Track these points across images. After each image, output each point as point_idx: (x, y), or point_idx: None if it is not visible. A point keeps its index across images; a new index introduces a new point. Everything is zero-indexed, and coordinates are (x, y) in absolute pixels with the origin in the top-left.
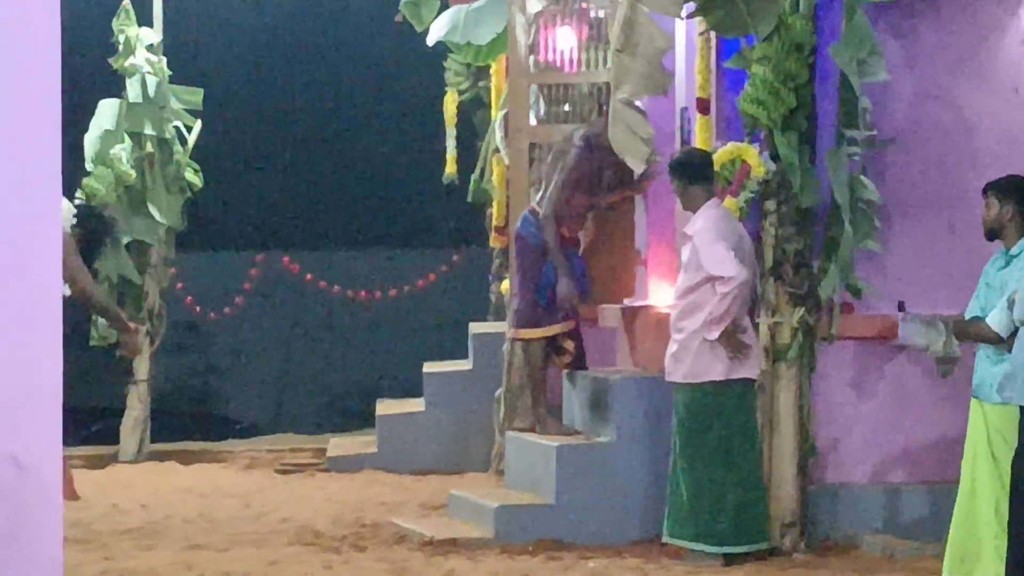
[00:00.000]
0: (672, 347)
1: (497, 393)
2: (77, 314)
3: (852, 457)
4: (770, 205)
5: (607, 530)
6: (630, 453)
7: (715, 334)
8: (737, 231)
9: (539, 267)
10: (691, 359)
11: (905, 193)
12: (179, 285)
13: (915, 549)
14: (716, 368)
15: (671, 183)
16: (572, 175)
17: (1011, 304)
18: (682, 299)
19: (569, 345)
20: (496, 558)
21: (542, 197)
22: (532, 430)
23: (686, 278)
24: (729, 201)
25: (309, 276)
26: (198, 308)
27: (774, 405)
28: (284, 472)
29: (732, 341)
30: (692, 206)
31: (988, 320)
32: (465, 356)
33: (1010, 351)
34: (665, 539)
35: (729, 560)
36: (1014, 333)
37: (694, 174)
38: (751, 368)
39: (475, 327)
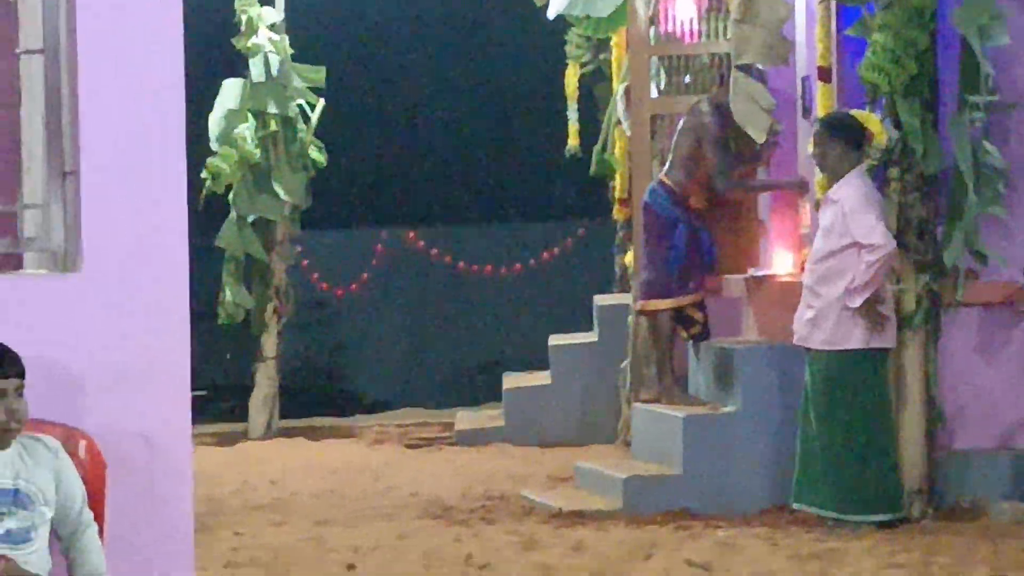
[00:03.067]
0: (808, 312)
1: (623, 365)
2: (206, 292)
3: (979, 423)
4: (893, 172)
5: (734, 499)
6: (756, 422)
7: (858, 302)
8: (882, 201)
9: (668, 238)
10: (831, 326)
11: None
12: (304, 263)
13: None
14: (856, 336)
15: (815, 145)
16: (715, 141)
17: None
18: (821, 263)
19: (698, 316)
20: (624, 529)
21: (668, 168)
22: (658, 401)
23: (828, 243)
24: None
25: (435, 251)
26: (325, 285)
27: (900, 372)
28: (412, 447)
29: (872, 311)
30: (837, 170)
31: None
32: (590, 328)
33: None
34: (796, 505)
35: (859, 528)
36: None
37: (844, 136)
38: (888, 338)
39: (600, 299)
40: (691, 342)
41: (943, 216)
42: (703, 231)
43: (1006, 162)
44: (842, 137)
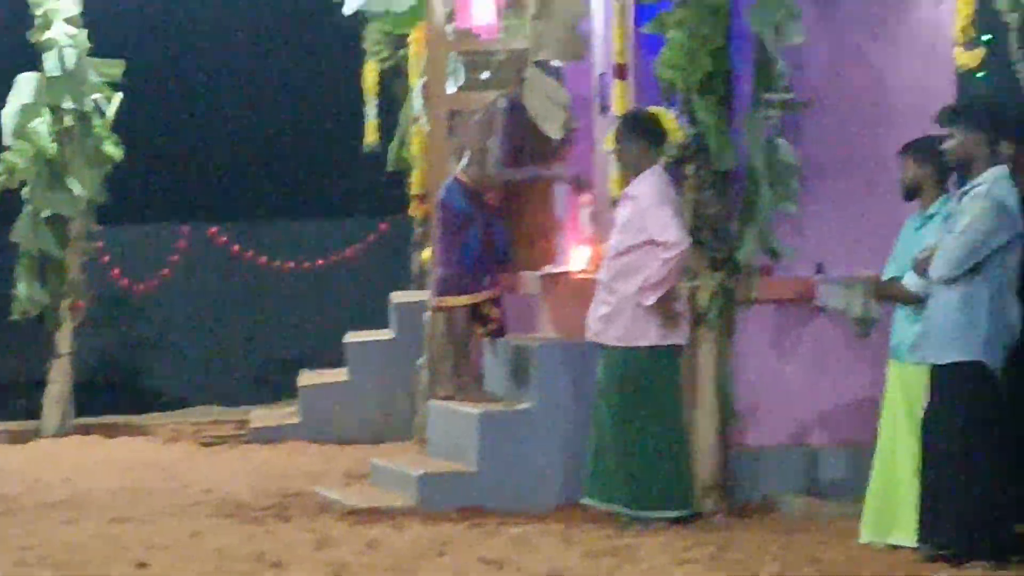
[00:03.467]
0: (603, 308)
1: (419, 362)
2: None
3: (772, 419)
4: (688, 169)
5: (529, 496)
6: (551, 419)
7: (652, 300)
8: (678, 198)
9: (463, 235)
10: (625, 322)
11: (822, 155)
12: (105, 258)
13: (834, 510)
14: (650, 333)
15: (614, 142)
16: (501, 133)
17: (913, 266)
18: (617, 259)
19: (494, 313)
20: (419, 526)
21: (467, 165)
22: (454, 398)
23: (624, 239)
24: None
25: (236, 247)
26: (125, 281)
27: (694, 369)
28: (207, 444)
29: (666, 308)
30: (635, 167)
31: (905, 281)
32: (388, 326)
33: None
34: (586, 501)
35: (651, 524)
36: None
37: (643, 134)
38: (682, 335)
39: (397, 296)
40: (487, 339)
41: (737, 213)
42: (498, 227)
43: (799, 160)
44: (640, 134)
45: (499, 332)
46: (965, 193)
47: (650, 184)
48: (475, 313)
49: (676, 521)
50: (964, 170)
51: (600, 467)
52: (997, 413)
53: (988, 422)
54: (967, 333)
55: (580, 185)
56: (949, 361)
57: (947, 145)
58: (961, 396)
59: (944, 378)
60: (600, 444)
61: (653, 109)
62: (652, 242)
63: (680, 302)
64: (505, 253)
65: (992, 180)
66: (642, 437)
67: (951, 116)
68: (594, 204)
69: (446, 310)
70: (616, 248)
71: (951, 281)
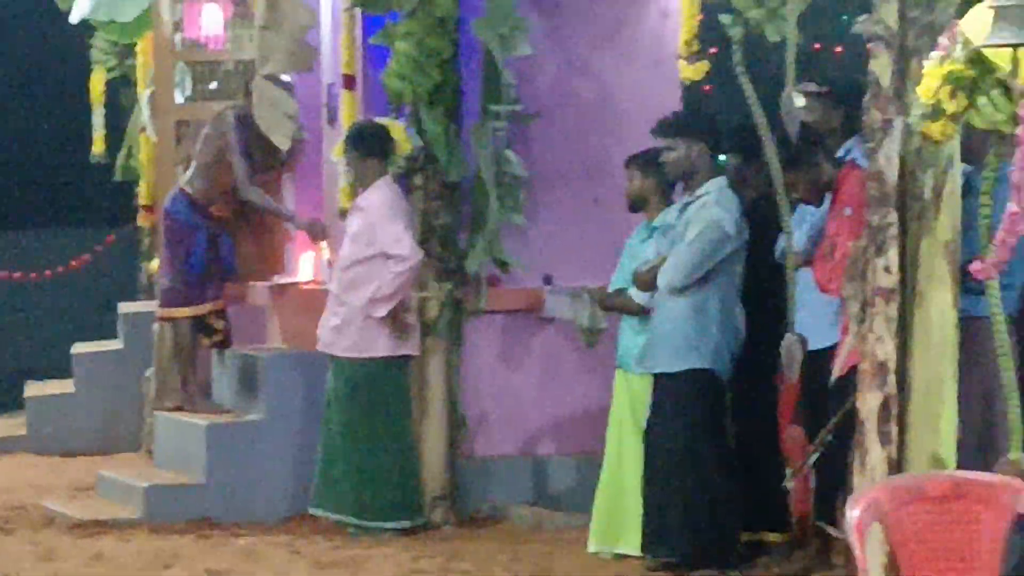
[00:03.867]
0: (333, 319)
1: (147, 373)
2: None
3: (501, 430)
4: (417, 180)
5: (258, 507)
6: (280, 430)
7: (382, 312)
8: (410, 210)
9: (188, 246)
10: (355, 333)
11: (550, 167)
12: None
13: (563, 520)
14: (380, 344)
15: (346, 155)
16: (237, 151)
17: (634, 280)
18: (348, 271)
19: (219, 325)
20: (145, 538)
21: (192, 177)
22: (181, 409)
23: (355, 250)
24: None
25: None
26: None
27: (423, 379)
28: None
29: (397, 320)
30: (364, 179)
31: (631, 292)
32: (116, 336)
33: None
34: (314, 511)
35: (380, 535)
36: None
37: (370, 147)
38: (412, 345)
39: (124, 307)
40: (213, 350)
41: (466, 224)
42: (224, 239)
43: (527, 171)
44: (368, 147)
45: (224, 344)
46: (688, 204)
47: (380, 196)
48: (200, 324)
49: (405, 532)
50: (685, 181)
51: (329, 477)
52: (725, 421)
53: (716, 430)
54: (697, 342)
55: (315, 233)
56: (678, 369)
57: (668, 157)
58: (689, 404)
59: (672, 387)
60: (329, 455)
61: (381, 120)
62: (383, 255)
63: (410, 313)
64: (230, 265)
65: (716, 191)
66: (371, 448)
67: (671, 127)
68: (330, 255)
69: (171, 321)
70: (347, 259)
71: (680, 291)
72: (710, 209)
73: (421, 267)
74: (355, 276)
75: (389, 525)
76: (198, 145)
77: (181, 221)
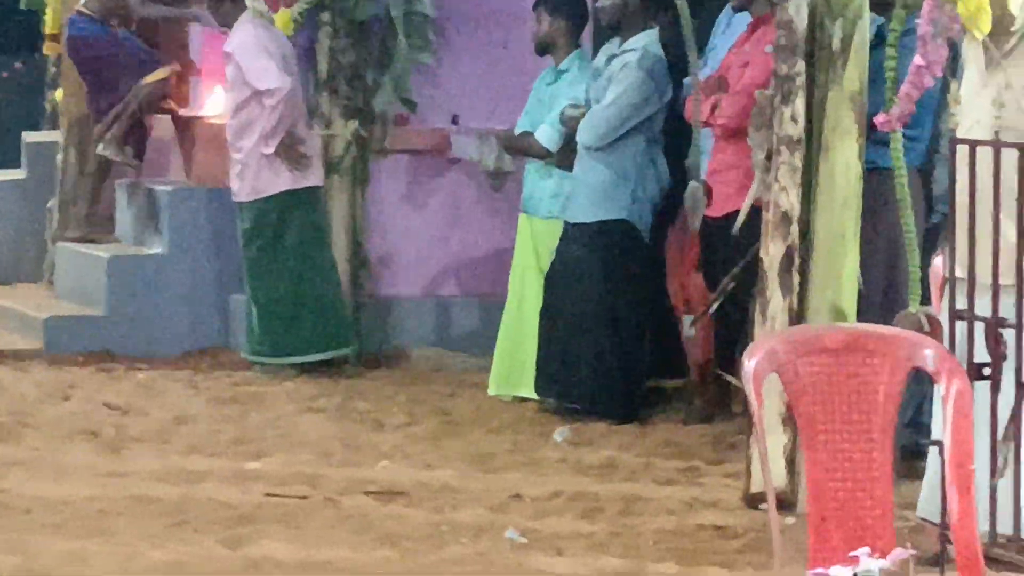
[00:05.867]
0: (235, 168)
1: (50, 203)
2: None
3: (405, 270)
4: (324, 17)
5: (159, 342)
6: (182, 265)
7: (271, 148)
8: (278, 41)
9: (103, 61)
10: (252, 176)
11: (461, 7)
12: None
13: (464, 362)
14: (280, 181)
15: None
16: None
17: (563, 120)
18: (234, 118)
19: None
20: (45, 369)
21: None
22: (85, 239)
23: (233, 96)
24: (283, 12)
25: None
26: None
27: (327, 217)
28: None
29: (291, 153)
30: (227, 22)
31: (537, 135)
32: (19, 166)
33: (559, 166)
34: (244, 356)
35: (283, 370)
36: (564, 148)
37: None
38: (316, 176)
39: (29, 136)
40: (118, 184)
41: (373, 62)
42: (131, 42)
43: (437, 11)
44: None
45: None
46: (615, 56)
47: (241, 36)
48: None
49: (305, 369)
50: (616, 29)
51: (249, 321)
52: (641, 271)
53: (632, 279)
54: (614, 193)
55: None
56: (593, 219)
57: (604, 2)
58: (603, 253)
59: (585, 236)
60: (248, 299)
61: None
62: (257, 92)
63: (307, 145)
64: (150, 55)
65: (643, 46)
66: (286, 283)
67: None
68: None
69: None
70: (230, 106)
71: (597, 149)
72: (632, 71)
73: (325, 103)
74: (241, 121)
75: (289, 360)
76: None
77: (91, 40)
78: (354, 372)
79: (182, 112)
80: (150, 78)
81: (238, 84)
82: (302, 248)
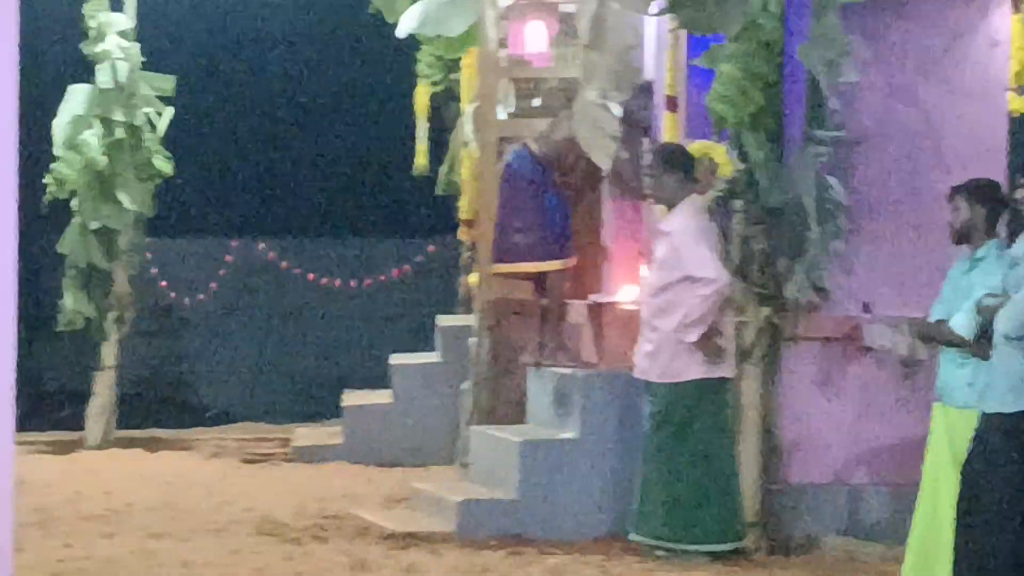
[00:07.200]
0: (647, 346)
1: (463, 386)
2: (49, 299)
3: (815, 457)
4: (737, 204)
5: (569, 527)
6: (593, 449)
7: (693, 337)
8: (714, 230)
9: (534, 198)
10: (668, 358)
11: (872, 194)
12: (153, 271)
13: (875, 552)
14: (694, 368)
15: (649, 169)
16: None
17: (980, 309)
18: (656, 297)
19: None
20: (457, 552)
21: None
22: (540, 364)
23: (661, 275)
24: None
25: (285, 263)
26: (173, 294)
27: (738, 404)
28: (249, 461)
29: (709, 344)
30: (666, 198)
31: (952, 323)
32: (433, 348)
33: (975, 355)
34: (633, 538)
35: (692, 558)
36: (980, 337)
37: (671, 164)
38: (728, 367)
39: (443, 319)
40: (530, 368)
41: (785, 249)
42: (556, 211)
43: (848, 198)
44: (673, 166)
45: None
46: None
47: (683, 219)
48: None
49: (716, 557)
50: None
51: (646, 503)
52: None
53: None
54: None
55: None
56: (1013, 410)
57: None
58: (1020, 446)
59: (1005, 427)
60: (646, 480)
61: (702, 142)
62: (690, 278)
63: (724, 337)
64: (562, 235)
65: None
66: (686, 471)
67: None
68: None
69: (506, 277)
70: (655, 285)
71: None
72: None
73: (737, 291)
74: (664, 302)
75: (701, 548)
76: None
77: (527, 173)
78: (764, 560)
79: (594, 298)
80: (546, 266)
81: (669, 265)
82: (709, 435)
